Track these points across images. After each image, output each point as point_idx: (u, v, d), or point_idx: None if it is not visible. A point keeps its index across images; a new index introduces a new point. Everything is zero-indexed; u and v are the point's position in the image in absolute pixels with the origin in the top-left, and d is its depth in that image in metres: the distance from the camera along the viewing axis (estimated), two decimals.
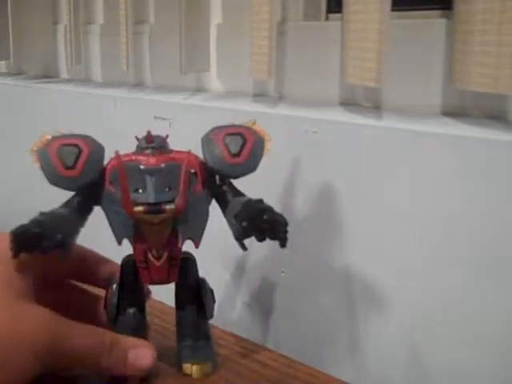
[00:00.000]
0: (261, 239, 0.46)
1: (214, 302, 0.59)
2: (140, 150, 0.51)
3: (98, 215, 0.51)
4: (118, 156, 0.48)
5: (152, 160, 0.50)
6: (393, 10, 0.52)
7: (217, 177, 0.53)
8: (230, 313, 0.66)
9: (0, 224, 0.79)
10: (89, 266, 0.56)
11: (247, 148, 0.52)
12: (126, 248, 0.52)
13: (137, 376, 0.49)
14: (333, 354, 0.58)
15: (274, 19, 0.62)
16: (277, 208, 0.47)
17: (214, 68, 0.76)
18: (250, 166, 0.52)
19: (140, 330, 0.57)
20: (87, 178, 0.50)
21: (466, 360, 0.49)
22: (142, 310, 0.57)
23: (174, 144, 0.53)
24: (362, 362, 0.56)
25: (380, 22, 0.51)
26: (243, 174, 0.52)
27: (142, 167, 0.49)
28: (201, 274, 0.58)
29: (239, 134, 0.52)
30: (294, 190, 0.59)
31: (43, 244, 0.45)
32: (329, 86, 0.64)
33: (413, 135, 0.50)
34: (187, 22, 0.70)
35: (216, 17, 0.75)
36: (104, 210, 0.51)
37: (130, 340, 0.50)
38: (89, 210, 0.52)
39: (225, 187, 0.53)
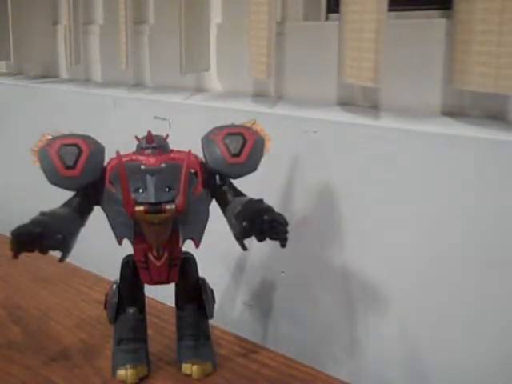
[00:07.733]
0: (261, 239, 0.46)
1: (214, 302, 0.59)
2: (140, 150, 0.51)
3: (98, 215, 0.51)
4: (118, 156, 0.48)
5: (152, 160, 0.50)
6: (393, 10, 0.52)
7: (217, 177, 0.53)
8: (230, 313, 0.66)
9: (0, 224, 0.80)
10: None
11: (247, 148, 0.52)
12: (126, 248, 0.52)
13: None
14: (332, 353, 0.58)
15: (273, 19, 0.62)
16: (277, 208, 0.47)
17: (214, 68, 0.75)
18: (250, 166, 0.52)
19: (140, 329, 0.57)
20: (87, 177, 0.50)
21: (465, 360, 0.49)
22: (142, 309, 0.57)
23: (173, 144, 0.53)
24: (361, 361, 0.56)
25: (377, 21, 0.51)
26: (243, 173, 0.52)
27: (142, 167, 0.49)
28: (201, 274, 0.58)
29: (239, 134, 0.52)
30: (293, 189, 0.59)
31: (44, 244, 0.45)
32: (328, 85, 0.64)
33: (412, 135, 0.50)
34: (187, 22, 0.70)
35: (216, 17, 0.75)
36: (104, 209, 0.51)
37: None
38: (89, 210, 0.52)
39: (225, 187, 0.53)
